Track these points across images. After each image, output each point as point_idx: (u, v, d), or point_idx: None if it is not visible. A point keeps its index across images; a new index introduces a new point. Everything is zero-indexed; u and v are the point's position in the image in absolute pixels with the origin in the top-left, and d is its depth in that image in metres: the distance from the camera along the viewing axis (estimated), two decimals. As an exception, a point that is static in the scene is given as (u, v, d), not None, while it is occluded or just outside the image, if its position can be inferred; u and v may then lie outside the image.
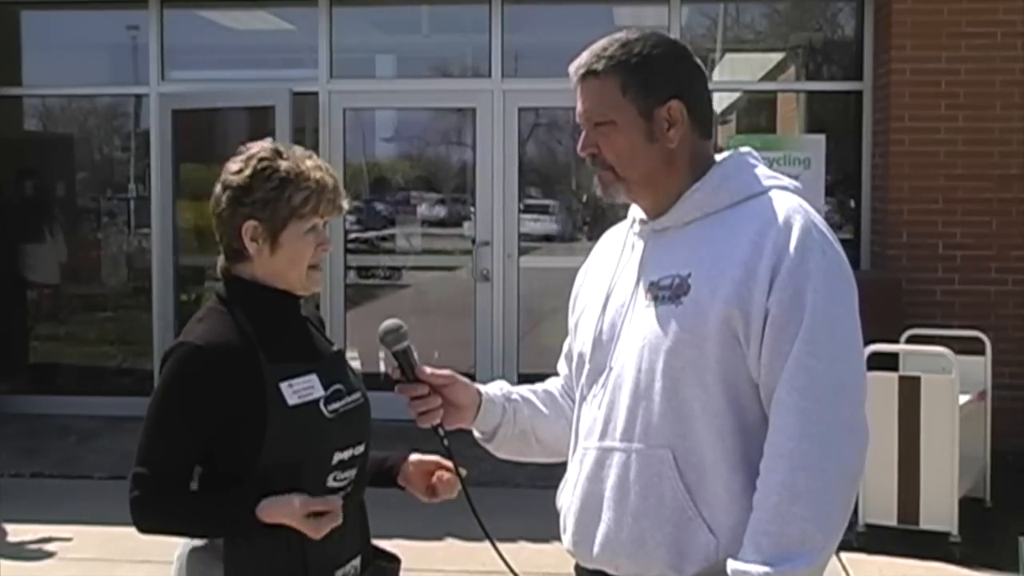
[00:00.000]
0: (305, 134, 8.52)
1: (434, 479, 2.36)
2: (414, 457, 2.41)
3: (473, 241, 8.34)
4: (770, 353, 1.91)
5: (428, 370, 2.19)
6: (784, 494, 1.85)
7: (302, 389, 2.18)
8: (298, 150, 2.27)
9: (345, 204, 2.30)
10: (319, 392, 2.20)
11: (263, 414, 2.12)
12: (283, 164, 2.21)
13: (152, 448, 2.15)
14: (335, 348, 2.37)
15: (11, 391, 8.61)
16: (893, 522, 5.53)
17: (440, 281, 9.17)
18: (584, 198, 9.35)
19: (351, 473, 2.25)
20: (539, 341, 8.10)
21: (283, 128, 7.88)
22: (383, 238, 9.27)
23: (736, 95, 9.10)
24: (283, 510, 2.09)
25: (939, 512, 5.44)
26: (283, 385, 2.16)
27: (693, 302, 1.95)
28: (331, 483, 2.21)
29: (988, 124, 7.34)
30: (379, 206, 9.31)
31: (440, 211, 9.35)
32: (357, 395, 2.30)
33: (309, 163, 2.24)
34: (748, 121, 9.24)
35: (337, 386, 2.24)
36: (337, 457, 2.21)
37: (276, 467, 2.11)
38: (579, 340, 2.16)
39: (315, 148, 7.94)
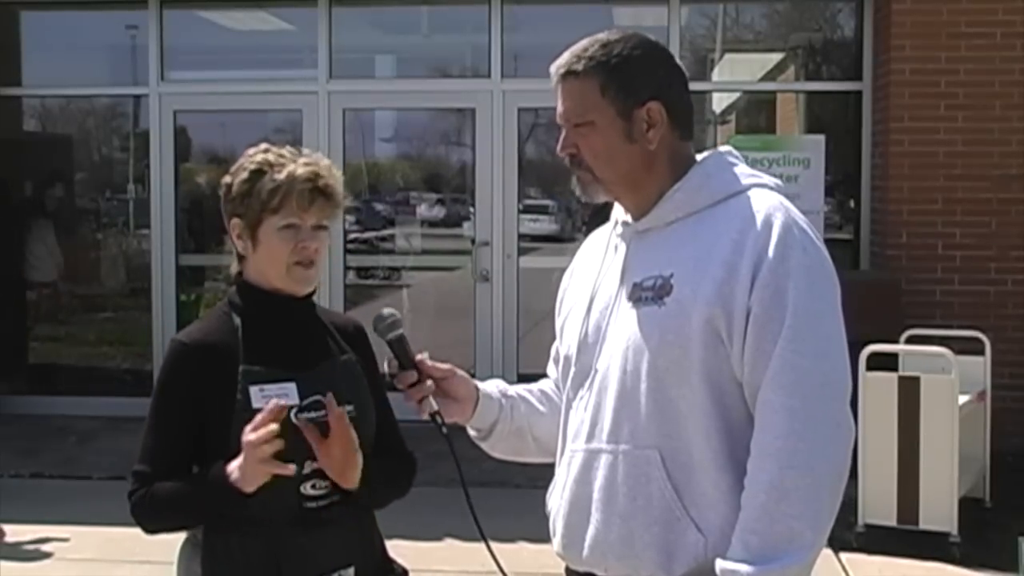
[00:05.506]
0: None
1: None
2: None
3: (472, 241, 8.34)
4: (753, 352, 1.90)
5: (428, 362, 2.19)
6: (772, 493, 1.85)
7: (273, 395, 2.17)
8: (304, 150, 2.29)
9: (339, 202, 2.27)
10: (292, 400, 2.19)
11: (230, 414, 2.15)
12: (259, 157, 2.24)
13: (144, 442, 2.22)
14: (344, 357, 2.32)
15: (11, 391, 8.61)
16: (893, 522, 5.52)
17: (440, 281, 9.17)
18: (583, 198, 9.33)
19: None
20: (539, 341, 8.07)
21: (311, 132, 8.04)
22: (383, 238, 9.26)
23: (736, 95, 9.09)
24: (245, 466, 2.06)
25: (939, 512, 5.43)
26: (253, 388, 2.17)
27: (676, 302, 1.95)
28: (308, 491, 2.20)
29: (988, 124, 7.33)
30: (379, 206, 9.30)
31: (439, 211, 9.35)
32: (347, 408, 2.25)
33: (300, 160, 2.24)
34: (748, 121, 9.24)
35: (317, 397, 2.21)
36: (311, 466, 2.20)
37: None
38: (565, 343, 2.17)
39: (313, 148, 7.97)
